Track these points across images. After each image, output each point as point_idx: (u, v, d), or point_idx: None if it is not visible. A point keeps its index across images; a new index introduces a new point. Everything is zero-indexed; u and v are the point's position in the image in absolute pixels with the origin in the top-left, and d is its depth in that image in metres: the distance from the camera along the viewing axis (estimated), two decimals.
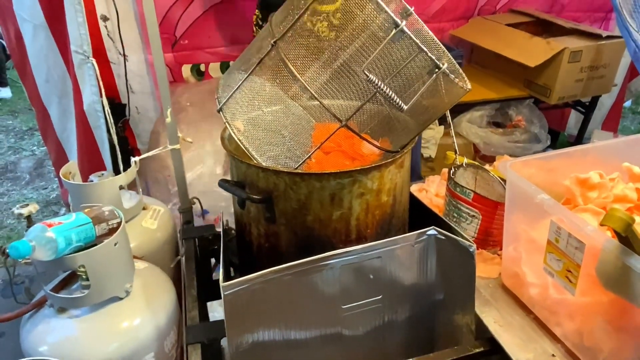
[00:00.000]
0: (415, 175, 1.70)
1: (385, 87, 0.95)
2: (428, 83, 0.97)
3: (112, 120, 1.61)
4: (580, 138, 2.98)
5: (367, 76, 0.95)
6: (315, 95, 1.00)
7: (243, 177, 1.11)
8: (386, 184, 1.09)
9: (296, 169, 1.06)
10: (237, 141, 1.09)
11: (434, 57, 0.95)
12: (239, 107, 1.12)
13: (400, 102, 0.95)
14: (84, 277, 1.13)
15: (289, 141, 1.11)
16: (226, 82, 1.15)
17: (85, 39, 1.55)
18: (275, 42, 1.02)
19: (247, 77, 1.08)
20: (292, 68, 1.01)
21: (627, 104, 4.32)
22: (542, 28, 2.85)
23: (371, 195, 1.07)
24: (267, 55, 1.05)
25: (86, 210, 1.14)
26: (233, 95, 1.10)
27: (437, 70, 0.96)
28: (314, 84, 1.02)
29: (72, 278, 1.22)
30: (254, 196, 1.06)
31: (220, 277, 1.00)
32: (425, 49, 0.94)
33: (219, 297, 1.64)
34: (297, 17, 1.01)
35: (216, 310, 1.81)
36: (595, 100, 2.80)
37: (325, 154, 1.13)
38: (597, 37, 2.51)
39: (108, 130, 1.68)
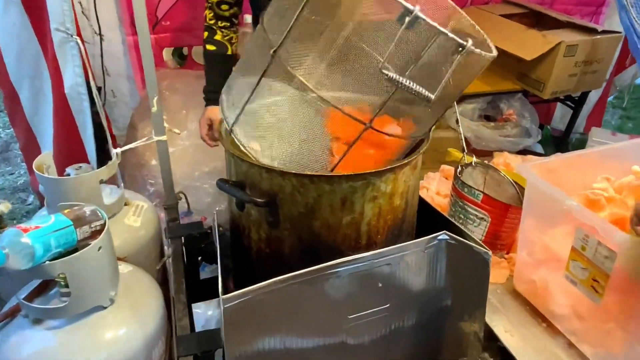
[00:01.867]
0: None
1: (407, 82, 0.86)
2: (454, 65, 0.87)
3: (100, 103, 1.47)
4: (568, 133, 2.97)
5: (387, 75, 0.85)
6: (333, 104, 0.89)
7: (243, 177, 1.01)
8: (400, 187, 1.01)
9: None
10: (254, 160, 0.99)
11: (456, 37, 0.86)
12: (249, 128, 1.01)
13: (427, 93, 0.86)
14: (62, 283, 1.02)
15: (306, 145, 0.99)
16: (229, 101, 1.04)
17: (68, 15, 1.39)
18: (274, 51, 0.91)
19: (250, 97, 0.97)
20: (301, 78, 0.90)
21: (610, 98, 4.34)
22: (536, 20, 2.80)
23: (384, 199, 0.99)
24: (269, 67, 0.94)
25: (66, 211, 1.02)
26: (241, 115, 0.99)
27: (461, 49, 0.87)
28: (328, 91, 0.92)
29: (48, 284, 1.10)
30: (257, 200, 0.96)
31: (220, 288, 0.91)
32: (445, 31, 0.85)
33: (207, 298, 1.56)
34: (294, 18, 0.89)
35: (199, 307, 1.70)
36: (585, 95, 2.77)
37: (346, 145, 1.02)
38: (593, 31, 2.47)
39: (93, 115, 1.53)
